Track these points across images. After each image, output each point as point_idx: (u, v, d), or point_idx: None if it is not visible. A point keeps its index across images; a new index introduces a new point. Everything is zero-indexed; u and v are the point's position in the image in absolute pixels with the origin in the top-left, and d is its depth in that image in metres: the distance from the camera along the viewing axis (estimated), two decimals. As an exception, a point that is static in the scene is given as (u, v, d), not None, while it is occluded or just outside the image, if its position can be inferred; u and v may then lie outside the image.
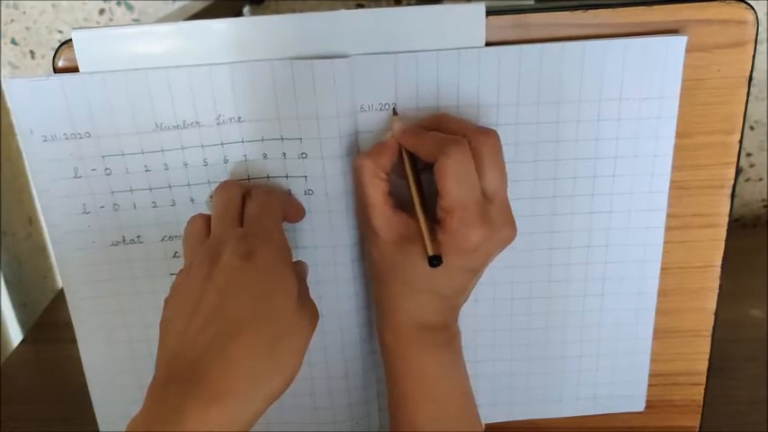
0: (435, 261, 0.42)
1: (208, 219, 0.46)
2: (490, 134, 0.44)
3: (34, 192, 1.02)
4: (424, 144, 0.44)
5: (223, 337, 0.38)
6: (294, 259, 0.46)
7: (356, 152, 0.48)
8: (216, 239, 0.43)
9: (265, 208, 0.45)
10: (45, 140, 0.47)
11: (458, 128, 0.45)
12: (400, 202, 0.45)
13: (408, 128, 0.46)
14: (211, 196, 0.48)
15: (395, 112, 0.47)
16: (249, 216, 0.45)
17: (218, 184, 0.48)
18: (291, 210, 0.48)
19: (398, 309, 0.47)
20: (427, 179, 0.45)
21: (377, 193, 0.45)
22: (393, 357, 0.48)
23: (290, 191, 0.48)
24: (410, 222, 0.44)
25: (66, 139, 0.47)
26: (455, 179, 0.42)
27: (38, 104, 0.46)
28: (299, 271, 0.46)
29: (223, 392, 0.37)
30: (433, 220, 0.44)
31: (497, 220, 0.43)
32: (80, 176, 0.48)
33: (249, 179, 0.48)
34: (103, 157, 0.47)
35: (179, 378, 0.38)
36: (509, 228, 0.44)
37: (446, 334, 0.48)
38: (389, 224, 0.45)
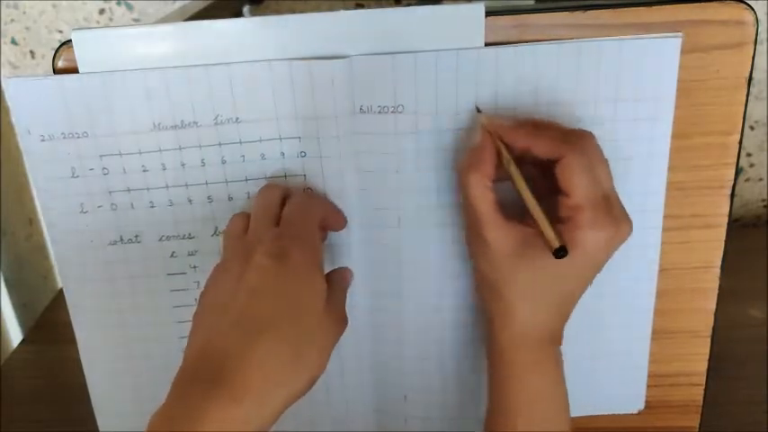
0: (561, 252, 0.41)
1: (249, 218, 0.46)
2: (588, 134, 0.44)
3: (34, 192, 1.03)
4: (545, 139, 0.43)
5: (248, 337, 0.39)
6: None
7: (458, 164, 0.47)
8: (251, 238, 0.44)
9: (303, 210, 0.45)
10: (43, 140, 0.47)
11: (556, 131, 0.44)
12: (508, 209, 0.45)
13: (522, 124, 0.45)
14: (248, 194, 0.48)
15: (478, 110, 0.46)
16: (285, 217, 0.45)
17: (261, 187, 0.48)
18: (333, 218, 0.48)
19: (515, 318, 0.45)
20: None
21: (488, 206, 0.44)
22: (508, 360, 0.47)
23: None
24: (525, 227, 0.44)
25: (64, 138, 0.47)
26: (585, 174, 0.41)
27: (36, 104, 0.46)
28: (341, 279, 0.46)
29: (244, 391, 0.37)
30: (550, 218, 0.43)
31: (619, 216, 0.43)
32: (78, 176, 0.48)
33: (246, 180, 0.48)
34: (101, 156, 0.47)
35: (203, 376, 0.38)
36: (628, 222, 0.43)
37: (558, 349, 0.47)
38: (505, 235, 0.44)
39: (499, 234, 0.44)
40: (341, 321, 0.43)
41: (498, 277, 0.45)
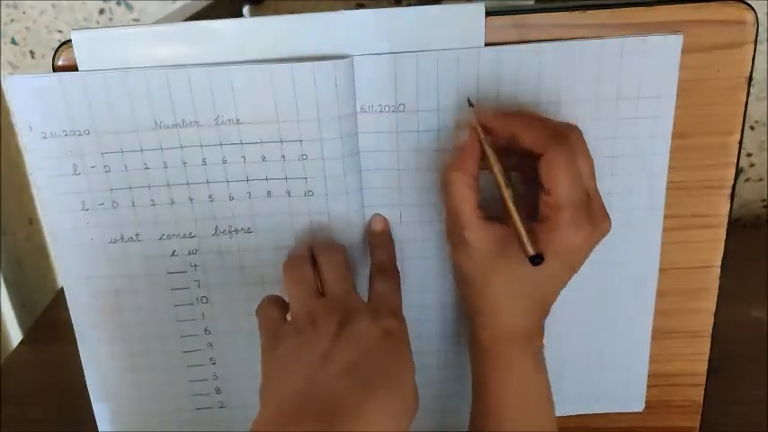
0: (537, 259, 0.41)
1: (313, 267, 0.46)
2: (575, 129, 0.43)
3: (34, 192, 1.03)
4: (533, 130, 0.42)
5: (361, 387, 0.39)
6: None
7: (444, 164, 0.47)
8: (342, 305, 0.43)
9: (396, 291, 0.47)
10: (44, 137, 0.47)
11: (543, 123, 0.44)
12: (490, 206, 0.45)
13: (512, 112, 0.44)
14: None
15: (470, 104, 0.46)
16: (383, 294, 0.46)
17: (321, 245, 0.48)
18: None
19: (495, 312, 0.46)
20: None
21: (469, 206, 0.43)
22: (490, 358, 0.47)
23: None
24: (505, 227, 0.43)
25: (66, 135, 0.47)
26: (567, 173, 0.41)
27: (37, 101, 0.46)
28: None
29: None
30: (529, 218, 0.43)
31: (598, 216, 0.43)
32: (79, 173, 0.48)
33: (248, 180, 0.48)
34: (103, 154, 0.47)
35: (312, 417, 0.38)
36: (606, 221, 0.43)
37: (539, 341, 0.48)
38: (484, 235, 0.44)
39: (479, 234, 0.44)
40: (418, 401, 0.43)
41: (478, 276, 0.46)
